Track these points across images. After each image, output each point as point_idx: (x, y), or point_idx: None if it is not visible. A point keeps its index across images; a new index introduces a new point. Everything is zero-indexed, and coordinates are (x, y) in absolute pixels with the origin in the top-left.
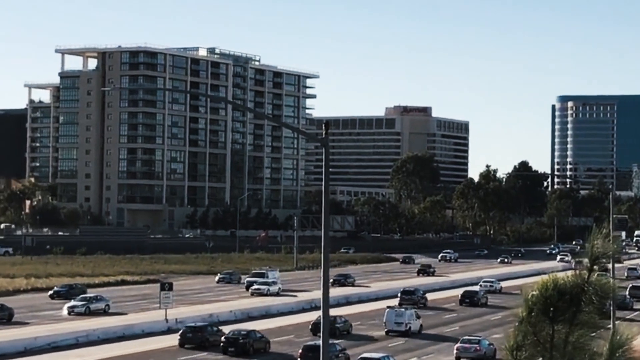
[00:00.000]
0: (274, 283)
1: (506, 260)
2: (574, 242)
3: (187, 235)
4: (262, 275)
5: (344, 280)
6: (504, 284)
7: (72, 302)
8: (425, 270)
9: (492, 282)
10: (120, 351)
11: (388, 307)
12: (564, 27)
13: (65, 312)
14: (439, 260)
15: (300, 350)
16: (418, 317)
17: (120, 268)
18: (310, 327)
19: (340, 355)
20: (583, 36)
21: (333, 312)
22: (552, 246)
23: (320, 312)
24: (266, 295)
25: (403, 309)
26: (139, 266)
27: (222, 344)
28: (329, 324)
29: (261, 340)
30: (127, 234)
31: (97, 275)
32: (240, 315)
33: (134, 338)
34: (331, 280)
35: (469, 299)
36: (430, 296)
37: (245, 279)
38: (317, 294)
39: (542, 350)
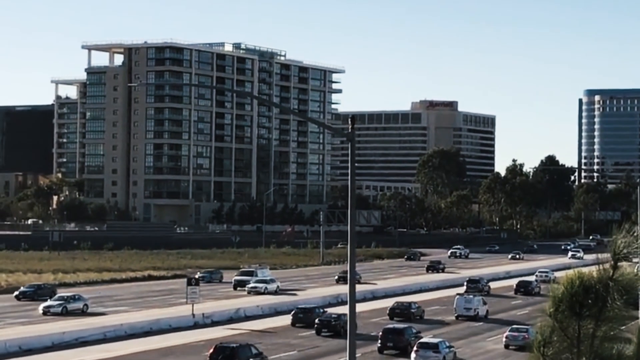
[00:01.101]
0: (272, 281)
1: (517, 256)
2: (590, 237)
3: (216, 231)
4: (250, 273)
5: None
6: (502, 283)
7: (49, 302)
8: (434, 267)
9: (546, 272)
10: (147, 346)
11: (458, 294)
12: (590, 21)
13: (40, 311)
14: (449, 257)
15: (380, 332)
16: (484, 303)
17: (147, 263)
18: (387, 312)
19: (415, 337)
20: (610, 30)
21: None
22: (575, 240)
23: (397, 299)
24: (263, 293)
25: (472, 296)
26: (165, 261)
27: (315, 326)
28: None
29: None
30: (154, 229)
31: (124, 270)
32: (267, 310)
33: (160, 333)
34: (336, 278)
35: (524, 289)
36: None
37: (234, 277)
38: (312, 293)
39: (569, 346)
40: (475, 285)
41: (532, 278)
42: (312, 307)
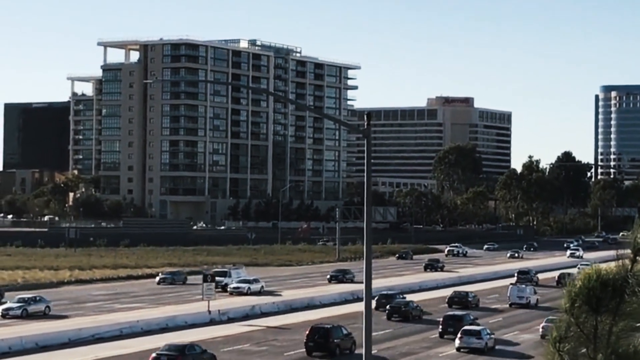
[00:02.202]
0: (256, 281)
1: (517, 254)
2: (595, 235)
3: (232, 228)
4: (224, 274)
5: (342, 277)
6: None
7: (8, 304)
8: (432, 266)
9: (588, 264)
10: (163, 343)
11: (511, 284)
12: (607, 17)
13: None
14: (446, 255)
15: (441, 319)
16: (535, 292)
17: (163, 260)
18: (446, 300)
19: (473, 323)
20: (627, 26)
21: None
22: (579, 238)
23: (456, 288)
24: (247, 294)
25: (524, 286)
26: (181, 258)
27: (387, 311)
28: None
29: (417, 308)
30: (170, 226)
31: (141, 267)
32: (283, 306)
33: (176, 329)
34: (328, 277)
35: (564, 280)
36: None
37: None
38: (296, 293)
39: (585, 341)
40: (525, 276)
41: (574, 270)
42: (394, 293)
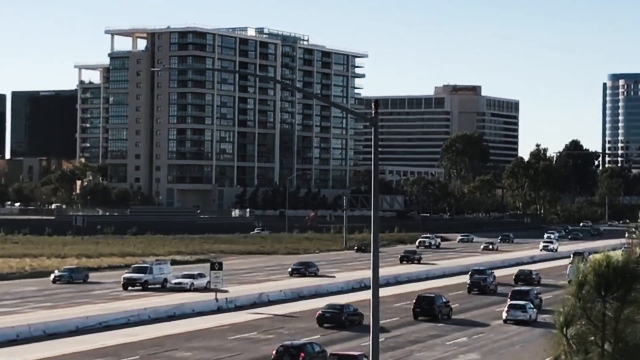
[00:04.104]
0: (200, 276)
1: (490, 246)
2: (581, 224)
3: (239, 216)
4: (144, 270)
5: (304, 270)
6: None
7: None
8: (409, 257)
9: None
10: (171, 330)
11: (570, 263)
12: (615, 5)
13: None
14: (417, 247)
15: (510, 293)
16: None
17: (170, 248)
18: (513, 278)
19: (537, 298)
20: (634, 14)
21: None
22: (567, 227)
23: (521, 269)
24: (189, 290)
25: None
26: (189, 246)
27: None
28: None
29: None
30: (177, 214)
31: (148, 255)
32: (290, 294)
33: (184, 317)
34: (289, 270)
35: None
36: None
37: (123, 275)
38: (248, 288)
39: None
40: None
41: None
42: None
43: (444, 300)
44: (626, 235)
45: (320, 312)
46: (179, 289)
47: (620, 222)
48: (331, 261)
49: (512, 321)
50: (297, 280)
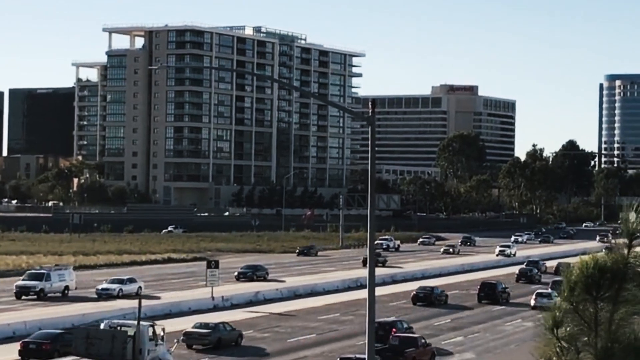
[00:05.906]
0: (131, 281)
1: (451, 250)
2: (584, 225)
3: (236, 214)
4: (40, 277)
5: (251, 274)
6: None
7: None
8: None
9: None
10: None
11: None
12: (612, 5)
13: None
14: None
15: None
16: None
17: (167, 246)
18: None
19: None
20: (631, 14)
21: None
22: (540, 229)
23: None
24: (117, 297)
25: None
26: (185, 244)
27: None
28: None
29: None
30: (174, 212)
31: (144, 252)
32: (287, 293)
33: (180, 315)
34: (235, 274)
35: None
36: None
37: (16, 282)
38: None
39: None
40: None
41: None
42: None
43: (503, 286)
44: (610, 235)
45: (414, 292)
46: (107, 295)
47: (619, 222)
48: (279, 264)
49: (539, 308)
50: (294, 279)
